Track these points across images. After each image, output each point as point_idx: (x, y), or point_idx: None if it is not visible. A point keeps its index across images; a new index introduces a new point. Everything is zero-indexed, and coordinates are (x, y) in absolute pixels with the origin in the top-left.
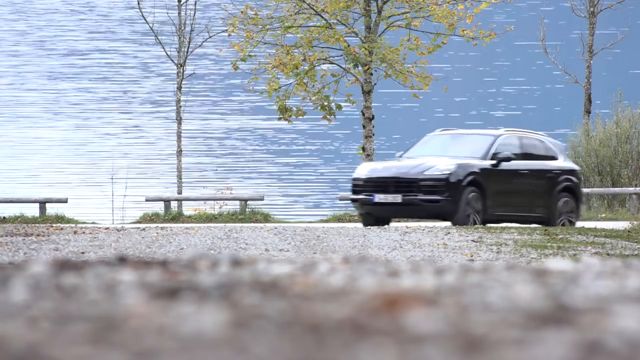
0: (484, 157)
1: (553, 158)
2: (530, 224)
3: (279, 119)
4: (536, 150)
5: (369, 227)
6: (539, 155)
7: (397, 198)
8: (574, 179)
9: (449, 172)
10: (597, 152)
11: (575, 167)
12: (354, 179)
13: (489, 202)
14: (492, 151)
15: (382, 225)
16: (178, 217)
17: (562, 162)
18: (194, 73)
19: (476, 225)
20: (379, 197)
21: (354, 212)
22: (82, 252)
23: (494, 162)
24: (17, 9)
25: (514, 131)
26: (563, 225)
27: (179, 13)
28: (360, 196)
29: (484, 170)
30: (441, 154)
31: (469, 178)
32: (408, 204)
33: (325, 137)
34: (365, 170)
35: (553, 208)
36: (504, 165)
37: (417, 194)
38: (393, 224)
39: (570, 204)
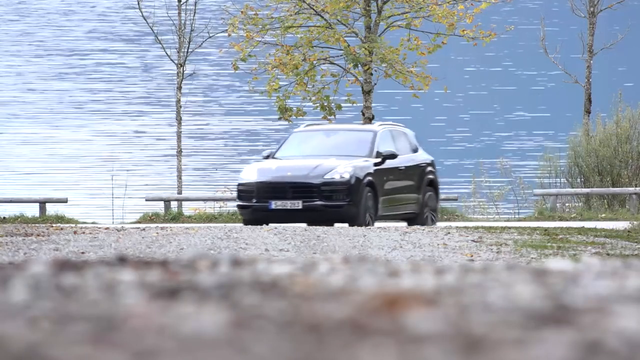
0: (369, 155)
1: (415, 150)
2: (405, 220)
3: (279, 118)
4: (404, 144)
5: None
6: (407, 149)
7: (297, 204)
8: (434, 170)
9: (349, 174)
10: (597, 152)
11: (432, 158)
12: (241, 184)
13: (379, 202)
14: (376, 148)
15: (260, 225)
16: (178, 217)
17: (423, 154)
18: (194, 73)
19: (477, 225)
20: (277, 204)
21: None
22: (82, 252)
23: (379, 160)
24: (17, 9)
25: (386, 125)
26: (427, 220)
27: (179, 13)
28: (252, 203)
29: (375, 170)
30: (324, 153)
31: (367, 179)
32: (309, 210)
33: None
34: (253, 174)
35: (422, 203)
36: (388, 163)
37: (319, 200)
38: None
39: (432, 197)
